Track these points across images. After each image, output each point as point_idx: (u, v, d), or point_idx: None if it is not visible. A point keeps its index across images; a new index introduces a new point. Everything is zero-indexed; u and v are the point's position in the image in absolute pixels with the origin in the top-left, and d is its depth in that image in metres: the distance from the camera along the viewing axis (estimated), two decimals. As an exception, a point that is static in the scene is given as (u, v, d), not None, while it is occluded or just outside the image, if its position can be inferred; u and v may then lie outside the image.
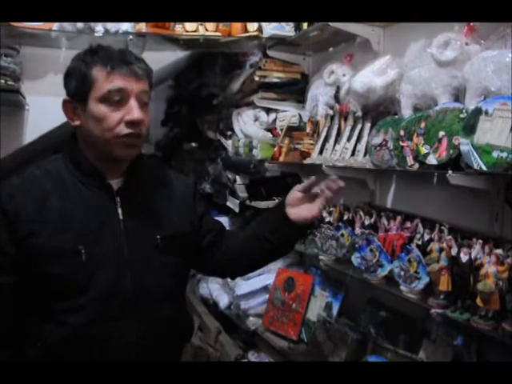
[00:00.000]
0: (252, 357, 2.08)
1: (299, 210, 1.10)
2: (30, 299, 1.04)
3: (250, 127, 2.19)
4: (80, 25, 1.63)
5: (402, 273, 1.31)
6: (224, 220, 2.59)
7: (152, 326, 1.07)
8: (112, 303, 1.03)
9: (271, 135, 2.12)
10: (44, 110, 1.73)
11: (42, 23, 1.63)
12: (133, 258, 1.06)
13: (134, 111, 1.01)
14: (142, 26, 1.72)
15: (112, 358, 1.03)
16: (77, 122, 1.06)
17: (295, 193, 1.10)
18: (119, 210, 1.07)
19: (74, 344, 1.02)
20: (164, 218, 1.13)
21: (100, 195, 1.07)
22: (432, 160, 1.20)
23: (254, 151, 2.11)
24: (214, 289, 2.38)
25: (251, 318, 2.08)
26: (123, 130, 1.01)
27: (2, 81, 1.61)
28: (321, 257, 1.68)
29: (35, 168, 1.10)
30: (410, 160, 1.29)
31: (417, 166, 1.26)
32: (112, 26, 1.68)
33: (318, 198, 1.09)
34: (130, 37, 1.69)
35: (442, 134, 1.19)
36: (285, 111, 2.08)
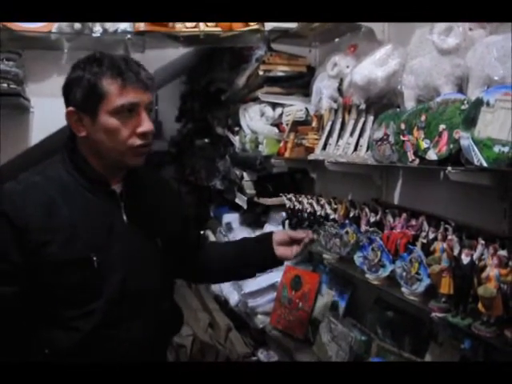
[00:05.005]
0: (261, 355, 2.06)
1: (284, 249, 1.30)
2: (39, 308, 1.04)
3: (256, 123, 2.15)
4: (78, 25, 1.62)
5: (404, 274, 1.25)
6: (235, 216, 2.57)
7: (156, 324, 1.10)
8: (121, 306, 1.05)
9: (277, 130, 2.07)
10: (49, 111, 1.76)
11: (41, 25, 1.64)
12: (139, 260, 1.09)
13: (145, 123, 1.03)
14: (141, 25, 1.68)
15: (119, 359, 1.04)
16: (83, 133, 1.04)
17: (286, 235, 1.31)
18: (124, 215, 1.08)
19: (83, 348, 1.03)
20: (162, 220, 1.16)
21: (106, 201, 1.08)
22: (432, 155, 1.13)
23: (260, 147, 2.07)
24: (224, 285, 2.37)
25: (259, 316, 2.05)
26: (136, 141, 1.03)
27: (5, 85, 1.64)
28: (325, 255, 1.63)
29: (34, 174, 1.07)
30: (410, 155, 1.22)
31: (417, 161, 1.19)
32: (110, 26, 1.65)
33: (296, 244, 1.29)
34: (129, 36, 1.68)
35: (442, 127, 1.11)
36: (291, 105, 2.03)
